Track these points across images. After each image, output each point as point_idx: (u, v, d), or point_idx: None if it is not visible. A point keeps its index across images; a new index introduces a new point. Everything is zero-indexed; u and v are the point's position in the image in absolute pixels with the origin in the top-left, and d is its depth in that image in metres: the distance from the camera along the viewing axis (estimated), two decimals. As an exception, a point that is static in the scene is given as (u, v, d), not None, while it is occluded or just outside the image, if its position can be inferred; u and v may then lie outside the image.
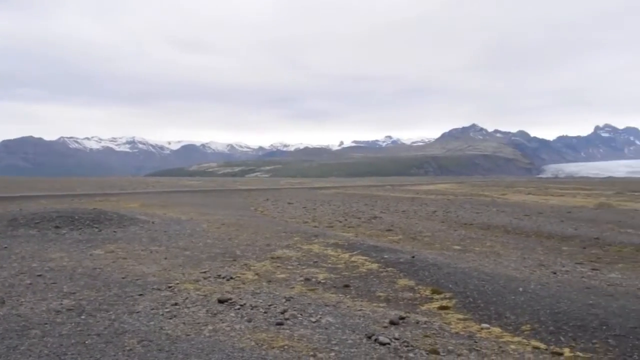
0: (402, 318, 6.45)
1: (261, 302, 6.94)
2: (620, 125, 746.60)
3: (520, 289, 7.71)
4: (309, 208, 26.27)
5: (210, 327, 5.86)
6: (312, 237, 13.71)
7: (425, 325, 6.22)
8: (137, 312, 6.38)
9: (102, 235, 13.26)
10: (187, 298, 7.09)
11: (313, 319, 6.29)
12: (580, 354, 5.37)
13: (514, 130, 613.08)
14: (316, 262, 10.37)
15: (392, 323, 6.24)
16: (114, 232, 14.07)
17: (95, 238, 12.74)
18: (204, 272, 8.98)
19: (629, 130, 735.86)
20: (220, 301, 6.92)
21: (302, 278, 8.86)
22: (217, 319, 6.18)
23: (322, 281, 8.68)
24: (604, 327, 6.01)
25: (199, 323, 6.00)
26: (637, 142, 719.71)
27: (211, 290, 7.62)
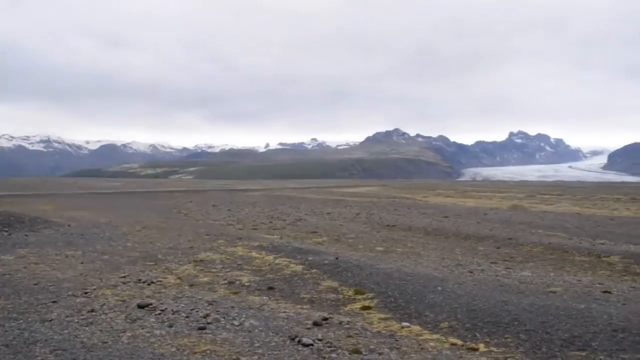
0: (325, 319, 6.51)
1: (183, 307, 6.79)
2: (532, 132, 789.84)
3: (439, 288, 7.98)
4: (234, 210, 26.00)
5: (128, 334, 5.66)
6: (236, 240, 13.58)
7: (348, 326, 6.31)
8: (50, 320, 6.07)
9: (12, 240, 12.53)
10: (104, 304, 6.83)
11: (236, 323, 6.23)
12: (494, 349, 5.62)
13: (434, 135, 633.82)
14: (240, 264, 10.27)
15: (315, 324, 6.28)
16: (26, 235, 13.33)
17: (4, 242, 12.02)
18: (123, 277, 8.68)
19: (540, 137, 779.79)
20: (140, 306, 6.71)
21: (225, 281, 8.75)
22: (136, 325, 5.99)
23: (246, 284, 8.62)
24: (516, 323, 6.33)
25: (116, 330, 5.79)
26: (548, 148, 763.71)
27: (130, 295, 7.37)
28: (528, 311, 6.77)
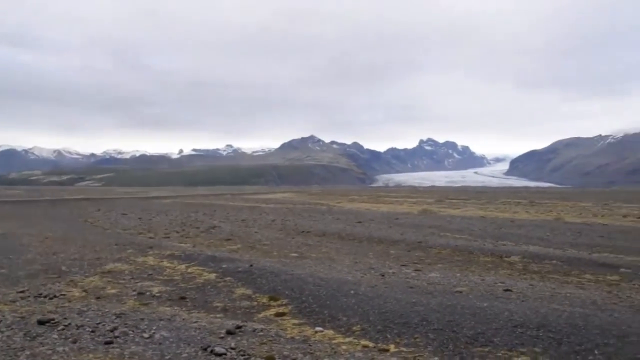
0: (239, 327, 6.44)
1: (88, 321, 6.47)
2: (441, 139, 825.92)
3: (352, 292, 8.12)
4: (145, 218, 25.17)
5: (27, 352, 5.32)
6: (147, 249, 13.14)
7: (261, 333, 6.28)
8: (-63, 341, 5.59)
9: None
10: (0, 321, 6.38)
11: (146, 335, 6.02)
12: (404, 349, 5.79)
13: (349, 142, 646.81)
14: (151, 274, 9.95)
15: (228, 333, 6.19)
16: None
17: None
18: (22, 292, 8.16)
19: (448, 145, 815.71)
20: (41, 322, 6.32)
21: (135, 292, 8.44)
22: (36, 343, 5.64)
23: (157, 294, 8.36)
24: (425, 323, 6.56)
25: (14, 348, 5.43)
26: (455, 155, 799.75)
27: (30, 310, 6.94)
28: (436, 311, 7.04)
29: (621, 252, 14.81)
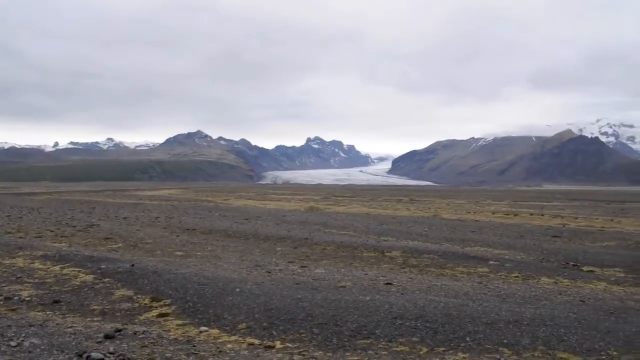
0: (118, 331, 6.15)
1: (-56, 330, 5.86)
2: (328, 138, 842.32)
3: (238, 290, 8.06)
4: (15, 217, 23.26)
5: None
6: (16, 250, 12.14)
7: (143, 335, 6.04)
8: None
9: None
10: None
11: (14, 344, 5.57)
12: (290, 345, 5.84)
13: (237, 138, 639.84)
14: (20, 278, 9.22)
15: (107, 337, 5.90)
16: None
17: None
18: None
19: (335, 144, 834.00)
20: None
21: (1, 297, 7.78)
22: None
23: (27, 299, 7.76)
24: (310, 318, 6.66)
25: None
26: (342, 153, 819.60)
27: None
28: (321, 306, 7.18)
29: (490, 246, 15.99)
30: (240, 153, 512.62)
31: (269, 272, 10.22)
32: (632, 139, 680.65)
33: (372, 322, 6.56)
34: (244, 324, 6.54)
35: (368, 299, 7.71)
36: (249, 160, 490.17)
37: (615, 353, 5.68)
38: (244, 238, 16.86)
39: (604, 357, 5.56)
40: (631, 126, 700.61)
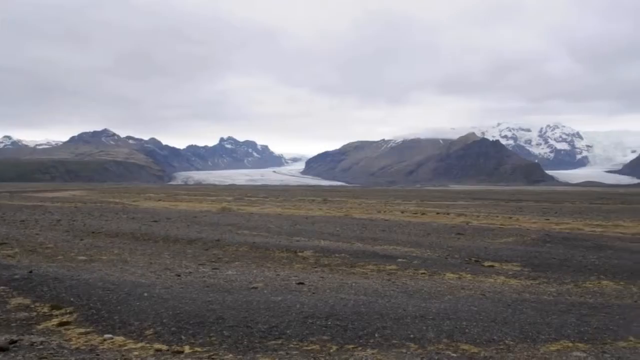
0: (13, 342, 5.76)
1: None
2: (241, 138, 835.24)
3: (146, 294, 7.79)
4: None
5: None
6: None
7: (41, 346, 5.69)
8: None
9: None
10: None
11: None
12: (199, 349, 5.72)
13: (146, 137, 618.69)
14: None
15: (0, 350, 5.50)
16: None
17: None
18: None
19: (248, 143, 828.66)
20: None
21: None
22: None
23: None
24: (220, 321, 6.56)
25: None
26: (255, 153, 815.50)
27: None
28: (232, 308, 7.09)
29: (398, 244, 16.50)
30: (150, 152, 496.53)
31: (179, 275, 9.97)
32: (528, 142, 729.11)
33: (283, 322, 6.56)
34: (151, 330, 6.33)
35: (279, 299, 7.71)
36: (159, 160, 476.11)
37: (511, 342, 6.04)
38: (152, 240, 16.33)
39: (501, 347, 5.90)
40: (528, 130, 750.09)
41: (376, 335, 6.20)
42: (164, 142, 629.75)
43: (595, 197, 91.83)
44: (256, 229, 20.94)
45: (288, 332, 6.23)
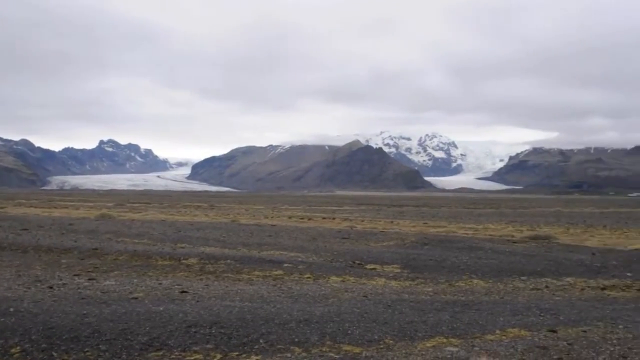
0: None
1: None
2: (123, 141, 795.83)
3: (12, 310, 7.18)
4: None
5: None
6: None
7: None
8: None
9: None
10: None
11: None
12: (72, 365, 5.37)
13: (16, 138, 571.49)
14: None
15: None
16: None
17: None
18: None
19: (131, 147, 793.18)
20: None
21: None
22: None
23: None
24: (96, 334, 6.20)
25: None
26: (138, 157, 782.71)
27: None
28: (109, 320, 6.74)
29: (285, 249, 16.62)
30: (21, 155, 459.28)
31: (51, 287, 9.30)
32: (409, 150, 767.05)
33: (165, 332, 6.35)
34: (18, 348, 5.84)
35: (161, 309, 7.46)
36: (31, 164, 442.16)
37: (391, 341, 6.30)
38: (21, 250, 15.10)
39: (381, 346, 6.13)
40: (408, 139, 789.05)
41: (261, 341, 6.18)
42: (37, 144, 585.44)
43: (468, 202, 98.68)
44: (138, 236, 20.10)
45: (170, 342, 6.03)
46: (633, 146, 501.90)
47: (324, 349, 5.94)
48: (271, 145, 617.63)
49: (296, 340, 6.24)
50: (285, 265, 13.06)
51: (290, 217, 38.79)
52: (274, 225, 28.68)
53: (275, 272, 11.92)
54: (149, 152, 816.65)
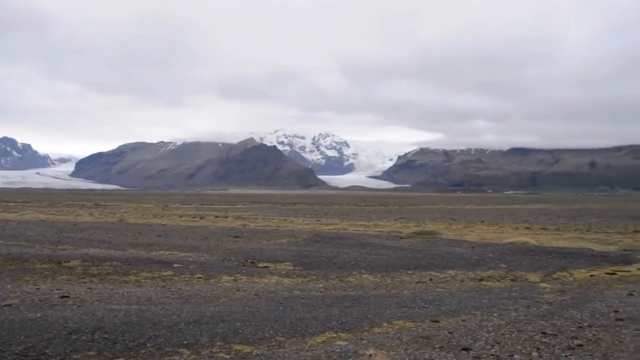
0: None
1: None
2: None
3: None
4: None
5: None
6: None
7: None
8: None
9: None
10: None
11: None
12: None
13: None
14: None
15: None
16: None
17: None
18: None
19: (7, 141, 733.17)
20: None
21: None
22: None
23: None
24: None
25: None
26: (15, 153, 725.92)
27: None
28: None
29: (175, 249, 16.16)
30: None
31: None
32: (303, 148, 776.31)
33: (43, 340, 5.94)
34: None
35: (39, 315, 6.98)
36: None
37: (282, 338, 6.34)
38: None
39: (272, 344, 6.15)
40: (302, 137, 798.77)
41: (148, 345, 5.97)
42: None
43: (359, 200, 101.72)
44: (13, 237, 18.64)
45: (48, 351, 5.65)
46: (509, 148, 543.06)
47: (214, 350, 5.86)
48: (162, 141, 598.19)
49: (185, 342, 6.10)
50: (176, 265, 12.70)
51: (181, 216, 37.81)
52: (164, 225, 27.83)
53: (165, 273, 11.55)
54: (27, 147, 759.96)
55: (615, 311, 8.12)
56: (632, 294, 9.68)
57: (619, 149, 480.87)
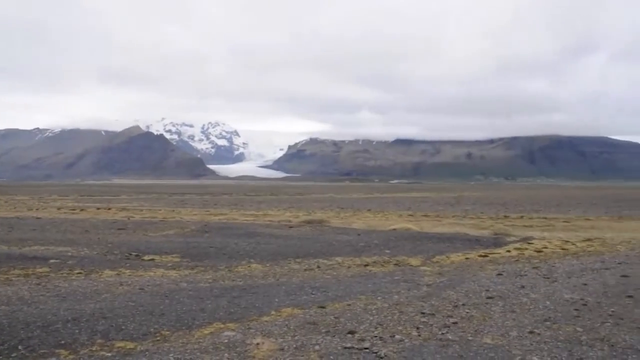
0: None
1: None
2: None
3: None
4: None
5: None
6: None
7: None
8: None
9: None
10: None
11: None
12: None
13: None
14: None
15: None
16: None
17: None
18: None
19: None
20: None
21: None
22: None
23: None
24: None
25: None
26: None
27: None
28: None
29: (52, 244, 15.16)
30: None
31: None
32: (192, 137, 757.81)
33: None
34: None
35: None
36: None
37: (167, 332, 6.19)
38: None
39: (157, 338, 5.99)
40: (191, 126, 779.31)
41: (20, 347, 5.58)
42: None
43: (249, 190, 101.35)
44: None
45: None
46: (394, 139, 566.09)
47: (94, 349, 5.60)
48: (38, 128, 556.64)
49: (62, 342, 5.77)
50: (52, 261, 11.91)
51: (59, 209, 35.50)
52: (40, 218, 25.98)
53: (40, 270, 10.80)
54: None
55: (486, 290, 8.80)
56: (501, 274, 10.52)
57: (491, 141, 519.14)
